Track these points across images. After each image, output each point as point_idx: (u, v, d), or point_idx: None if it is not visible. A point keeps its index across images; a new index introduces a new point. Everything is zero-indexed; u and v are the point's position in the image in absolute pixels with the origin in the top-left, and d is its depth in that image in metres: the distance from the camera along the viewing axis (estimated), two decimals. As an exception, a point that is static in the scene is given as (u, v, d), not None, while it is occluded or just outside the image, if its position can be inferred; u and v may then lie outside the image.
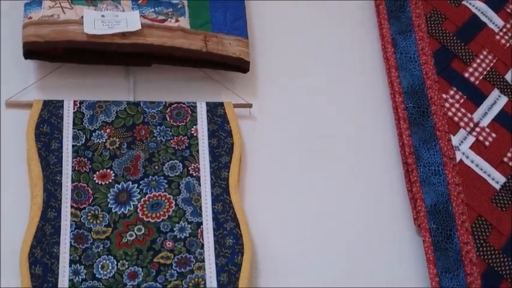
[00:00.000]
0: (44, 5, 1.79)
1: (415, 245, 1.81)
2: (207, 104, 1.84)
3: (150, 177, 1.73)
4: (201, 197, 1.72)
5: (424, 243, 1.76)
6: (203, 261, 1.65)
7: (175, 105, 1.82)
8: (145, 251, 1.64)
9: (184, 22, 1.87)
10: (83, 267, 1.61)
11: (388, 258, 1.79)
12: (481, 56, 2.04)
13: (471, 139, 1.92)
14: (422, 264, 1.77)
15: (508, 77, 2.03)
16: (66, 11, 1.79)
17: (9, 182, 1.71)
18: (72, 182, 1.69)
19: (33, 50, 1.76)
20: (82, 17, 1.79)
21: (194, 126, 1.80)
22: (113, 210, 1.68)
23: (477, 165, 1.89)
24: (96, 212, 1.67)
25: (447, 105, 1.95)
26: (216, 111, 1.83)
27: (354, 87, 2.01)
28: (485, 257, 1.77)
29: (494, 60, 2.05)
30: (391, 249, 1.80)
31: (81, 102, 1.78)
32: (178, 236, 1.67)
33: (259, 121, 1.90)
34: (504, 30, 2.11)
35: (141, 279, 1.61)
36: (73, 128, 1.75)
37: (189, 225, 1.68)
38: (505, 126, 1.95)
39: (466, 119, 1.94)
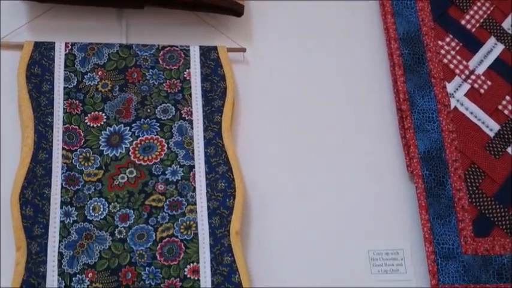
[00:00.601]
0: None
1: (408, 191, 1.81)
2: (201, 47, 1.82)
3: (142, 120, 1.71)
4: (193, 141, 1.71)
5: (417, 189, 1.76)
6: (195, 204, 1.64)
7: (168, 48, 1.80)
8: (137, 193, 1.64)
9: (178, -37, 1.84)
10: (74, 208, 1.60)
11: (380, 204, 1.79)
12: (478, 3, 2.02)
13: (466, 86, 1.91)
14: (415, 210, 1.77)
15: (505, 24, 2.01)
16: (58, -49, 1.76)
17: (1, 124, 1.69)
18: (63, 124, 1.67)
19: (23, -10, 1.73)
20: (73, -43, 1.76)
21: (187, 70, 1.78)
22: (105, 153, 1.67)
23: (471, 113, 1.88)
24: (88, 154, 1.66)
25: (443, 52, 1.93)
26: (209, 55, 1.81)
27: (348, 33, 1.98)
28: (477, 203, 1.77)
29: (492, 8, 2.02)
30: (384, 194, 1.80)
31: (72, 44, 1.76)
32: (170, 179, 1.66)
33: (252, 66, 1.88)
34: (502, -24, 2.08)
35: (132, 221, 1.61)
36: (64, 70, 1.73)
37: (181, 169, 1.68)
38: (501, 74, 1.94)
39: (461, 66, 1.92)
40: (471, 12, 2.00)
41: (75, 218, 1.59)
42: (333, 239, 1.73)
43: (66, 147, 1.65)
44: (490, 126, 1.87)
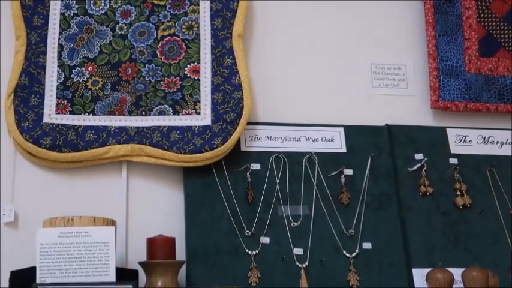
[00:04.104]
0: None
1: (416, 7, 1.76)
2: None
3: None
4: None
5: (425, 5, 1.72)
6: (198, 4, 1.61)
7: None
8: (138, -10, 1.61)
9: None
10: (74, 2, 1.57)
11: (386, 19, 1.75)
12: None
13: None
14: (421, 27, 1.73)
15: None
16: None
17: None
18: None
19: None
20: None
21: None
22: None
23: None
24: None
25: None
26: None
27: None
28: (486, 23, 1.74)
29: None
30: (390, 10, 1.76)
31: None
32: (173, -23, 1.62)
33: None
34: None
35: (133, 17, 1.58)
36: None
37: (184, -33, 1.63)
38: None
39: None
40: None
41: (76, 11, 1.57)
42: (336, 50, 1.70)
43: None
44: None
